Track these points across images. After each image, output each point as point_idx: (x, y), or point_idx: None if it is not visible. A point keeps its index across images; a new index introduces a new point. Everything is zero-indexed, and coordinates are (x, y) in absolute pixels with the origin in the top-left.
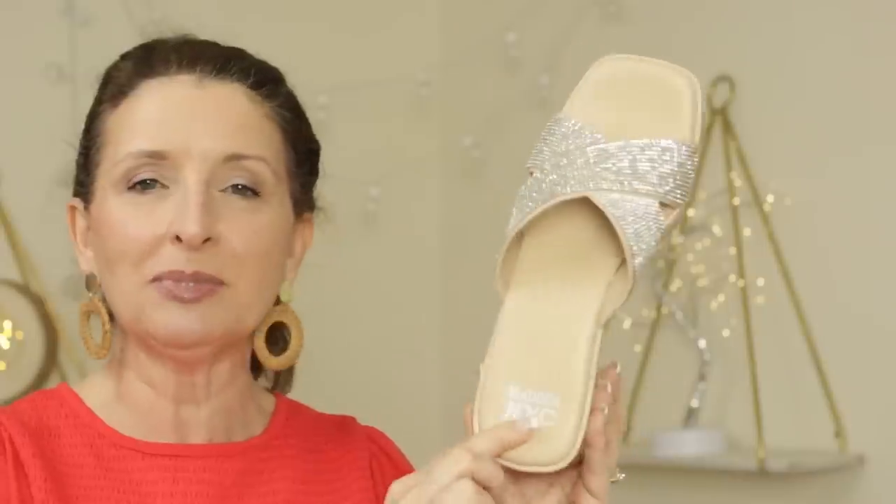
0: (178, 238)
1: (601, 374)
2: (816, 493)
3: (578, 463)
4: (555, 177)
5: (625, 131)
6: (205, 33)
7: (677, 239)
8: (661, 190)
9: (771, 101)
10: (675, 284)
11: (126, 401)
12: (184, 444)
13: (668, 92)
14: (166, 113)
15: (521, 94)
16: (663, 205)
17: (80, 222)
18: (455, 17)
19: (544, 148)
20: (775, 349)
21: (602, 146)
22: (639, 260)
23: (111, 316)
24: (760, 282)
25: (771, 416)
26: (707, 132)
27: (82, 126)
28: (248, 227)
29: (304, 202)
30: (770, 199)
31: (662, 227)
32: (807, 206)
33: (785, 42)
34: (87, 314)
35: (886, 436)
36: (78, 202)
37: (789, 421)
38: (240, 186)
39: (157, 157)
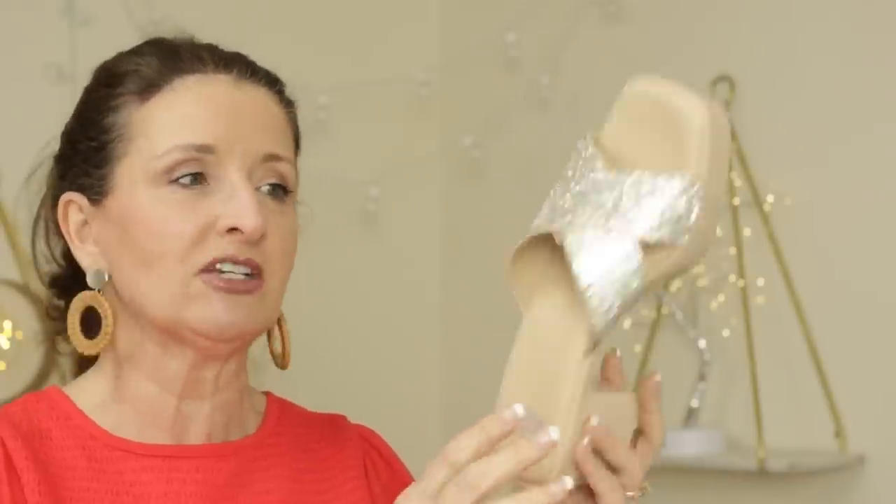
0: (232, 230)
1: (641, 383)
2: (816, 493)
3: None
4: (566, 202)
5: (626, 162)
6: (205, 33)
7: None
8: (642, 227)
9: (771, 101)
10: (675, 284)
11: (125, 400)
12: (177, 445)
13: (678, 124)
14: (210, 109)
15: (521, 94)
16: (649, 245)
17: (76, 217)
18: (455, 17)
19: (579, 162)
20: (775, 349)
21: (597, 176)
22: (604, 300)
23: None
24: (760, 282)
25: (771, 416)
26: None
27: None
28: (283, 227)
29: None
30: (770, 199)
31: (641, 267)
32: (807, 206)
33: (785, 42)
34: (81, 309)
35: (886, 436)
36: (79, 196)
37: (789, 421)
38: (272, 187)
39: (205, 150)
